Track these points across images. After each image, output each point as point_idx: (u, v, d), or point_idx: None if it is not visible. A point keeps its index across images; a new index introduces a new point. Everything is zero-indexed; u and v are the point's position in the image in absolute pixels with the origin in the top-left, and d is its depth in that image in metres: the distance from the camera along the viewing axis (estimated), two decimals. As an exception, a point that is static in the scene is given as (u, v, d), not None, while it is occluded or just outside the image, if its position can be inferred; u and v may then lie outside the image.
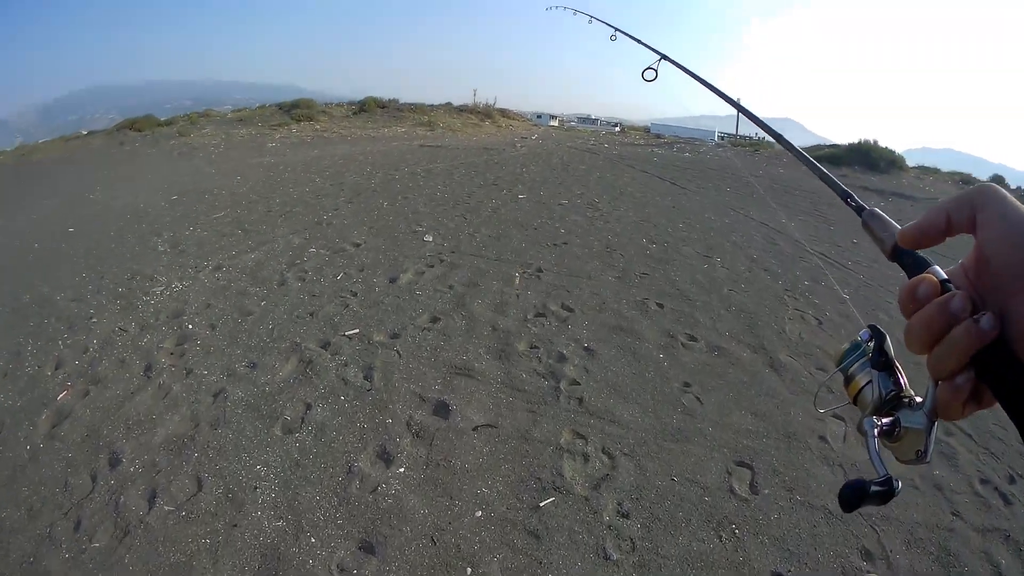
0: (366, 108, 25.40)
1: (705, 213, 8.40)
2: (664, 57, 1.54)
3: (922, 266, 0.49)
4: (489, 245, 6.06)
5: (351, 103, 27.51)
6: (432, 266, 5.46)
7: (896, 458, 0.50)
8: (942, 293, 0.43)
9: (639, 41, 1.63)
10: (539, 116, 52.42)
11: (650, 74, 1.52)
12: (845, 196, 0.72)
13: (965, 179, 20.28)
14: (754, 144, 29.86)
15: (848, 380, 0.56)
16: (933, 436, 0.47)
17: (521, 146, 17.71)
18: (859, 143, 23.00)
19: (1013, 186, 20.18)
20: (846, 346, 0.58)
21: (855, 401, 0.55)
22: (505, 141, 19.95)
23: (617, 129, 64.30)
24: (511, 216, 7.22)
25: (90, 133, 23.30)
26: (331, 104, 27.25)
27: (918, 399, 0.49)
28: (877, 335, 0.55)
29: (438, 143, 17.28)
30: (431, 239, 6.21)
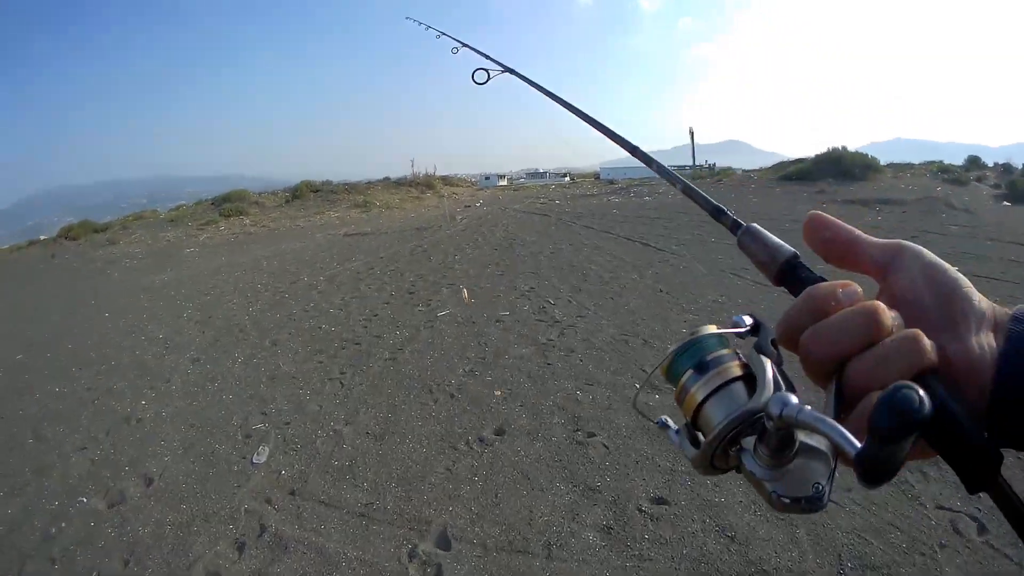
0: (299, 195, 22.85)
1: (705, 292, 5.79)
2: (508, 70, 1.22)
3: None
4: (363, 461, 3.25)
5: (286, 189, 25.01)
6: (241, 548, 2.62)
7: (772, 496, 0.33)
8: None
9: (485, 55, 1.27)
10: (487, 178, 50.91)
11: (481, 75, 1.22)
12: (717, 213, 0.56)
13: (942, 168, 19.01)
14: (715, 174, 28.34)
15: (687, 381, 0.37)
16: (836, 469, 0.33)
17: (462, 218, 15.19)
18: (828, 152, 20.82)
19: (990, 163, 19.44)
20: (703, 334, 0.38)
21: (695, 414, 0.37)
22: (445, 214, 17.46)
23: (567, 179, 63.70)
24: (416, 368, 4.40)
25: (29, 243, 21.55)
26: (265, 193, 24.73)
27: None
28: (760, 323, 0.39)
29: (365, 229, 14.62)
30: (263, 457, 3.37)
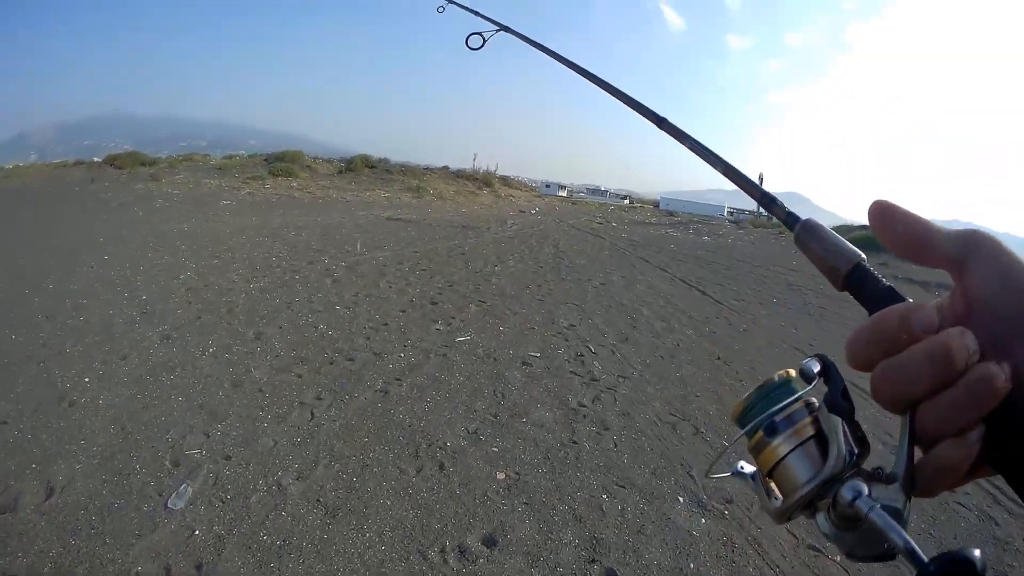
0: (353, 167, 22.44)
1: (767, 368, 4.57)
2: (504, 28, 1.13)
3: (895, 298, 0.37)
4: (299, 544, 2.32)
5: (342, 159, 24.68)
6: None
7: (844, 551, 0.34)
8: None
9: (476, 12, 1.14)
10: (547, 185, 50.14)
11: (475, 40, 1.14)
12: (768, 201, 0.52)
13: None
14: (777, 224, 26.70)
15: (763, 439, 0.38)
16: (908, 516, 0.32)
17: (513, 224, 14.29)
18: None
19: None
20: (759, 387, 0.39)
21: (770, 474, 0.37)
22: (497, 215, 16.62)
23: (626, 202, 62.35)
24: (408, 413, 3.44)
25: (76, 163, 22.18)
26: (319, 160, 24.46)
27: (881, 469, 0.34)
28: (830, 368, 0.37)
29: (410, 216, 13.86)
30: (182, 502, 2.48)
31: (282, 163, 22.27)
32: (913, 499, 0.32)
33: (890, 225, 0.38)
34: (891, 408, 0.34)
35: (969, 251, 0.35)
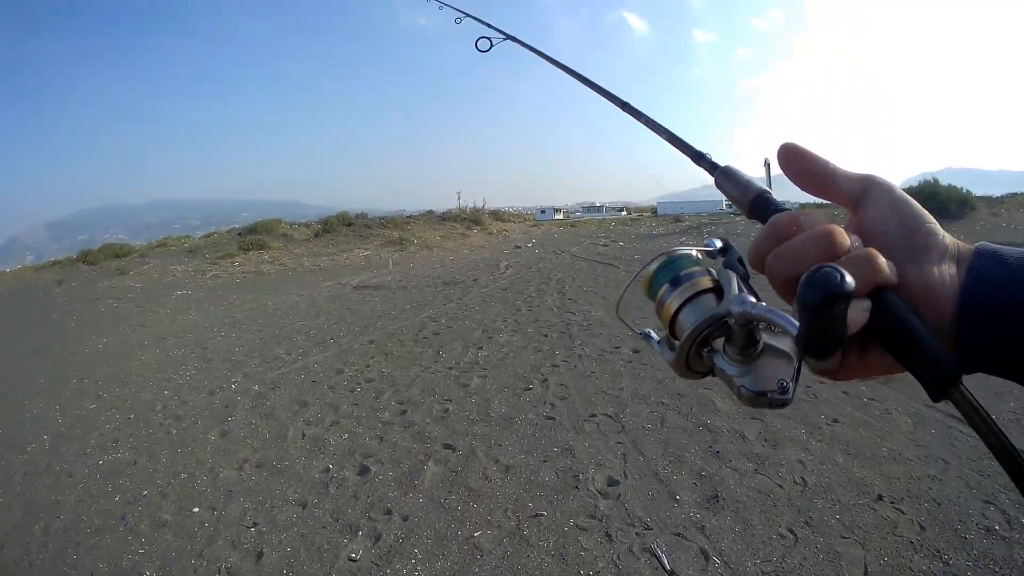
0: (329, 228, 20.20)
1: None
2: (510, 37, 1.18)
3: None
4: None
5: (319, 221, 22.51)
6: None
7: (741, 390, 0.37)
8: None
9: (488, 24, 1.20)
10: (543, 211, 47.90)
11: (484, 43, 1.19)
12: (697, 157, 0.55)
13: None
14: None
15: (663, 296, 0.41)
16: (800, 369, 0.36)
17: (506, 268, 11.74)
18: (921, 186, 17.46)
19: (1020, 191, 18.93)
20: (678, 253, 0.42)
21: (671, 323, 0.41)
22: (488, 259, 14.11)
23: (623, 214, 60.15)
24: None
25: (53, 263, 20.55)
26: (296, 224, 22.30)
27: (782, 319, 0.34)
28: (729, 246, 0.42)
29: (384, 279, 11.38)
30: None
31: (254, 236, 20.17)
32: None
33: (796, 164, 0.41)
34: (784, 289, 0.37)
35: (866, 189, 0.40)
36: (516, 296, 8.28)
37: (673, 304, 0.40)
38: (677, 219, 26.71)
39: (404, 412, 3.98)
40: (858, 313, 0.33)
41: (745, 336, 0.35)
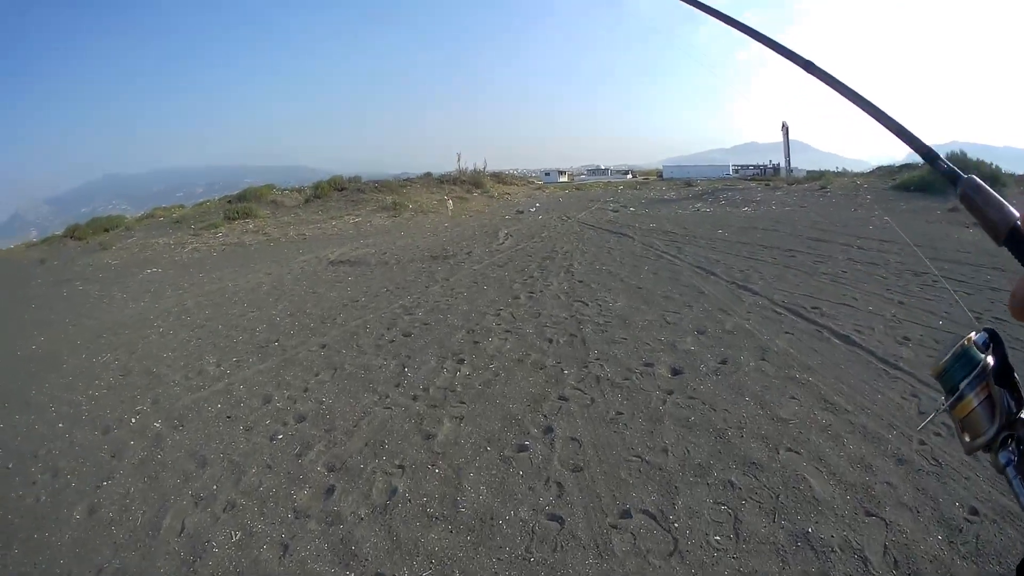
0: (320, 194, 18.60)
1: None
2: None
3: None
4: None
5: (312, 186, 20.87)
6: None
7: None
8: None
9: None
10: (547, 174, 45.68)
11: None
12: (929, 158, 0.54)
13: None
14: (817, 176, 21.80)
15: (957, 397, 0.48)
16: None
17: (506, 237, 10.20)
18: (949, 159, 15.58)
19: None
20: (954, 353, 0.49)
21: (963, 424, 0.48)
22: (487, 225, 12.53)
23: (628, 176, 57.75)
24: None
25: (42, 241, 19.09)
26: (287, 190, 20.69)
27: None
28: (995, 341, 0.48)
29: (367, 250, 9.90)
30: None
31: (243, 203, 18.65)
32: None
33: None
34: None
35: None
36: (514, 276, 6.79)
37: (971, 404, 0.46)
38: (688, 183, 24.82)
39: (331, 491, 2.56)
40: None
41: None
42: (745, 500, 2.26)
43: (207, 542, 2.32)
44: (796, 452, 2.57)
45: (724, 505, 2.23)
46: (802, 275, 6.13)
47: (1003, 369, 0.45)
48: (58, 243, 17.79)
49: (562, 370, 3.75)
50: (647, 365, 3.75)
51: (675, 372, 3.65)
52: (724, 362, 3.78)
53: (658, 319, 4.75)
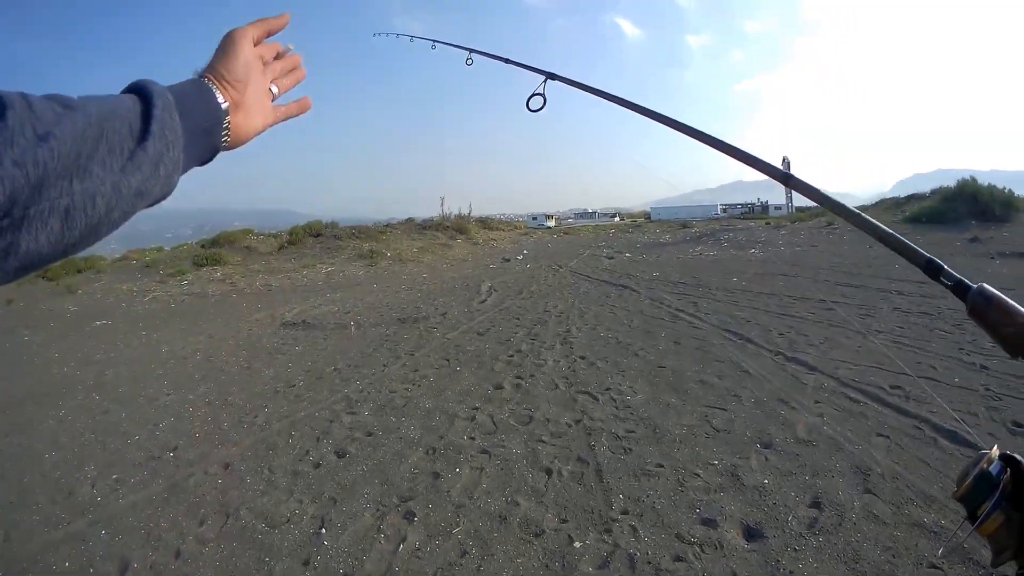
0: (294, 240, 17.22)
1: None
2: (551, 75, 1.06)
3: None
4: None
5: (288, 231, 19.52)
6: None
7: None
8: None
9: (520, 64, 1.10)
10: (534, 218, 44.82)
11: (536, 101, 1.05)
12: (932, 270, 0.50)
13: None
14: (821, 213, 20.60)
15: (981, 518, 0.49)
16: None
17: (489, 292, 8.80)
18: (960, 186, 14.73)
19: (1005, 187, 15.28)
20: (974, 477, 0.50)
21: (990, 540, 0.49)
22: (469, 277, 11.12)
23: (616, 219, 57.41)
24: None
25: (20, 281, 17.46)
26: (262, 235, 19.33)
27: None
28: (1012, 464, 0.49)
29: (329, 308, 8.44)
30: None
31: (214, 248, 17.22)
32: None
33: None
34: None
35: None
36: (497, 349, 5.35)
37: (997, 522, 0.47)
38: (684, 225, 23.82)
39: None
40: None
41: None
42: None
43: None
44: None
45: None
46: (855, 336, 4.86)
47: (1019, 502, 0.47)
48: (30, 282, 16.28)
49: (570, 539, 2.28)
50: (706, 524, 2.30)
51: (751, 534, 2.22)
52: (817, 504, 2.37)
53: (700, 423, 3.32)
